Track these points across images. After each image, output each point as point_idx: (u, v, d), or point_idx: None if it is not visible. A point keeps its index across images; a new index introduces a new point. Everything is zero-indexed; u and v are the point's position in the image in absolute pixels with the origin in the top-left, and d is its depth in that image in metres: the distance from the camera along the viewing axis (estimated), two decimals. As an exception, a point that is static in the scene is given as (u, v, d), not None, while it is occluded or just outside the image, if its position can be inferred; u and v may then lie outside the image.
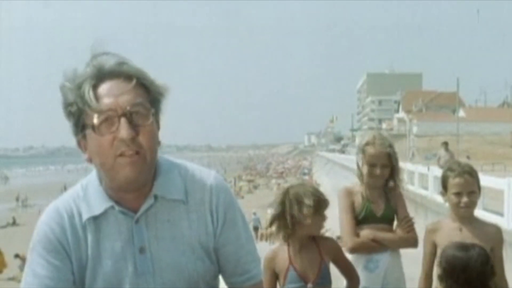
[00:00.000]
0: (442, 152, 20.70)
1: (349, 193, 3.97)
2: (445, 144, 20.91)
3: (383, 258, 3.85)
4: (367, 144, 3.91)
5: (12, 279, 22.88)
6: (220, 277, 2.10)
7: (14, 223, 40.90)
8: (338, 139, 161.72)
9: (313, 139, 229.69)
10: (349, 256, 3.93)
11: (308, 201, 3.39)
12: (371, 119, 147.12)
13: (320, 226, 3.50)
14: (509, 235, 8.77)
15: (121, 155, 1.76)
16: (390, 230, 3.91)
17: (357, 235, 3.87)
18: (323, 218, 3.48)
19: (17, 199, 56.45)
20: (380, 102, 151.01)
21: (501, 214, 10.19)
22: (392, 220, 3.95)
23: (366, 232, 3.87)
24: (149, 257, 1.89)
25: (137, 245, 1.88)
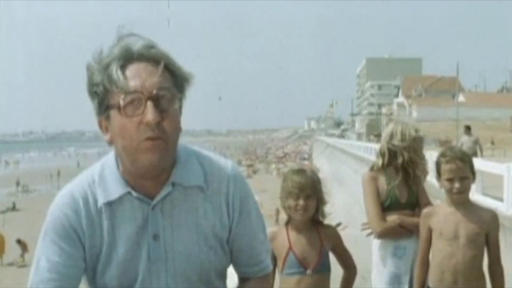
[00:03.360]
0: (464, 137, 18.84)
1: (373, 179, 4.00)
2: (468, 128, 19.07)
3: (410, 244, 3.90)
4: (393, 135, 4.01)
5: (11, 264, 22.96)
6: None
7: (14, 208, 40.99)
8: (338, 124, 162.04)
9: (313, 124, 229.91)
10: (377, 242, 3.97)
11: (291, 189, 3.50)
12: (371, 104, 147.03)
13: (310, 210, 3.51)
14: (509, 221, 8.77)
15: (145, 140, 1.74)
16: (413, 216, 3.94)
17: (385, 220, 3.91)
18: (311, 203, 3.49)
19: (17, 184, 56.53)
20: (379, 87, 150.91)
21: (500, 199, 10.19)
22: (415, 206, 4.00)
23: (394, 217, 3.91)
24: (162, 244, 1.88)
25: (151, 232, 1.87)
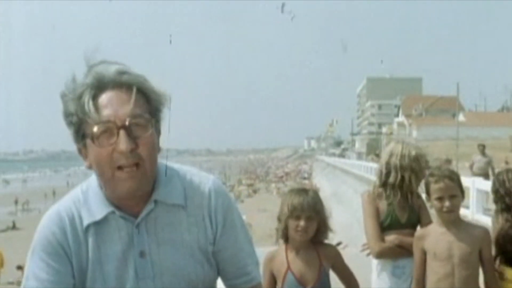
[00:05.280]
0: (477, 156, 17.88)
1: (372, 198, 3.99)
2: (482, 147, 17.98)
3: (409, 264, 3.86)
4: (392, 154, 4.01)
5: (12, 283, 22.90)
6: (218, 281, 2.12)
7: (14, 227, 40.95)
8: (338, 143, 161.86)
9: (313, 143, 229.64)
10: (376, 261, 3.97)
11: (292, 210, 3.47)
12: (371, 124, 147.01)
13: (310, 232, 3.50)
14: None
15: (120, 168, 1.77)
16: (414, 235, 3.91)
17: (383, 240, 3.89)
18: (312, 224, 3.48)
19: (16, 203, 56.47)
20: (380, 107, 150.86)
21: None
22: (416, 226, 3.99)
23: (392, 237, 3.89)
24: (149, 261, 1.90)
25: (137, 250, 1.90)
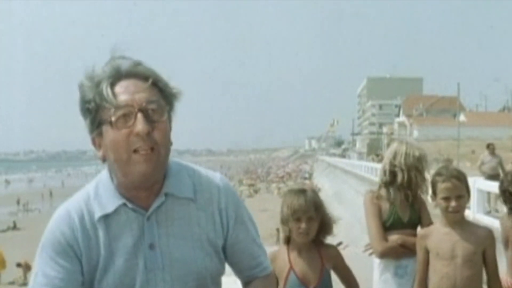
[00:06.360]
0: (486, 156, 17.30)
1: (375, 198, 4.00)
2: (491, 146, 17.32)
3: (411, 264, 3.86)
4: (397, 154, 4.00)
5: (12, 283, 22.92)
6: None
7: (15, 227, 40.98)
8: (339, 143, 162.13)
9: (314, 144, 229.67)
10: (379, 261, 3.96)
11: (293, 212, 3.47)
12: (372, 124, 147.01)
13: (312, 233, 3.49)
14: None
15: (136, 151, 1.81)
16: (415, 235, 3.92)
17: (386, 240, 3.90)
18: (313, 225, 3.48)
19: (18, 203, 56.51)
20: (380, 107, 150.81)
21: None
22: (417, 225, 3.99)
23: (395, 237, 3.90)
24: (158, 253, 1.93)
25: (147, 242, 1.93)
